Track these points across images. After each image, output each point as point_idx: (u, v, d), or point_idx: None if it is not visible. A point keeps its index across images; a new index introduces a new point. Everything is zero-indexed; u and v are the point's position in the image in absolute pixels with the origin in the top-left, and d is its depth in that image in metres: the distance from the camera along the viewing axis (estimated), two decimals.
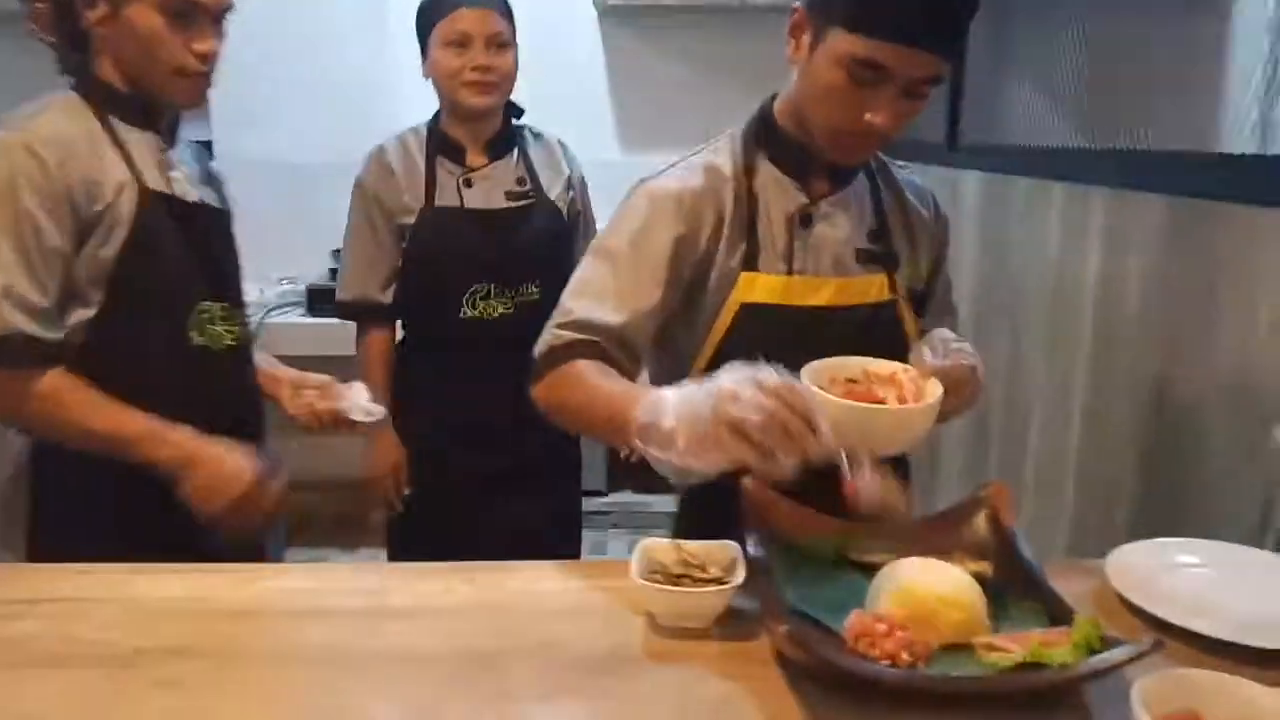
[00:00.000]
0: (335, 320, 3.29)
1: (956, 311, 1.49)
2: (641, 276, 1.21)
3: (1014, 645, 0.87)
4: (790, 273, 1.26)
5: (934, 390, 1.13)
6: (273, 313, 3.35)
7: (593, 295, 1.21)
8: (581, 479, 2.33)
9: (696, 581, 1.01)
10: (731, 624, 1.00)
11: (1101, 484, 1.81)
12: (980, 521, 1.12)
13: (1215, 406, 1.44)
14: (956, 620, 0.93)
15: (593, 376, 1.15)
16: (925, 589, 0.95)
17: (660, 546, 1.06)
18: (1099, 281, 1.82)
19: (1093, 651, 0.83)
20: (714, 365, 1.11)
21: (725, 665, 0.93)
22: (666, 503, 2.60)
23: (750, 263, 1.25)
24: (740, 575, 1.00)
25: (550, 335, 1.21)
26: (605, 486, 3.79)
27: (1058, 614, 0.94)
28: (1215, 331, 1.44)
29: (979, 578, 1.00)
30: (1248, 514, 1.36)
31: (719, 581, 1.01)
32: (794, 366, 1.10)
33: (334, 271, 3.50)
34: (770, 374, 0.96)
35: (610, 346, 1.19)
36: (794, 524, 1.12)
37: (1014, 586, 1.02)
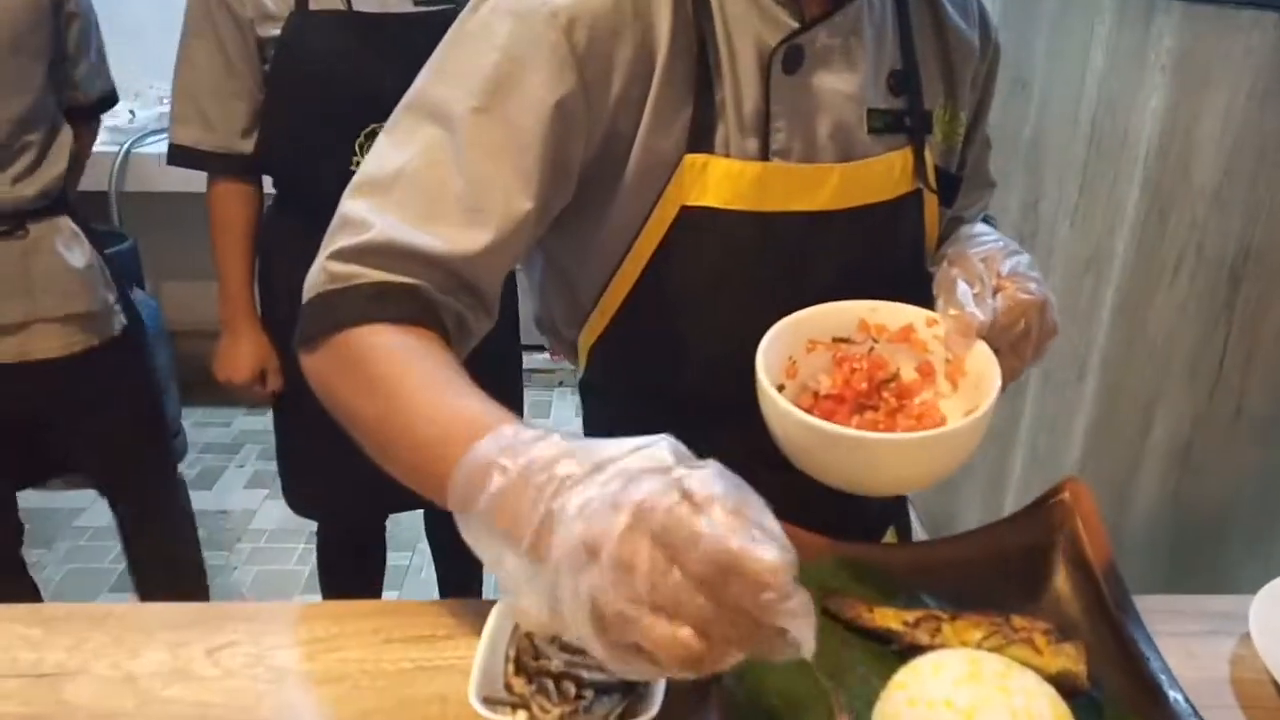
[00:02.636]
0: None
1: (993, 185, 0.99)
2: (501, 166, 0.67)
3: None
4: (765, 155, 0.74)
5: (985, 371, 0.67)
6: (147, 140, 2.63)
7: (405, 194, 0.67)
8: (523, 392, 1.86)
9: (582, 690, 0.58)
10: None
11: (1131, 396, 1.42)
12: (1054, 559, 0.69)
13: None
14: None
15: (402, 362, 0.62)
16: None
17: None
18: (1160, 128, 1.36)
19: None
20: (628, 320, 0.77)
21: None
22: None
23: (700, 137, 0.72)
24: (659, 686, 0.57)
25: (326, 269, 0.67)
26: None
27: None
28: None
29: (1067, 686, 0.58)
30: None
31: (622, 689, 0.59)
32: (765, 318, 0.71)
33: None
34: (698, 501, 0.44)
35: (438, 292, 0.66)
36: None
37: (1115, 692, 0.61)
